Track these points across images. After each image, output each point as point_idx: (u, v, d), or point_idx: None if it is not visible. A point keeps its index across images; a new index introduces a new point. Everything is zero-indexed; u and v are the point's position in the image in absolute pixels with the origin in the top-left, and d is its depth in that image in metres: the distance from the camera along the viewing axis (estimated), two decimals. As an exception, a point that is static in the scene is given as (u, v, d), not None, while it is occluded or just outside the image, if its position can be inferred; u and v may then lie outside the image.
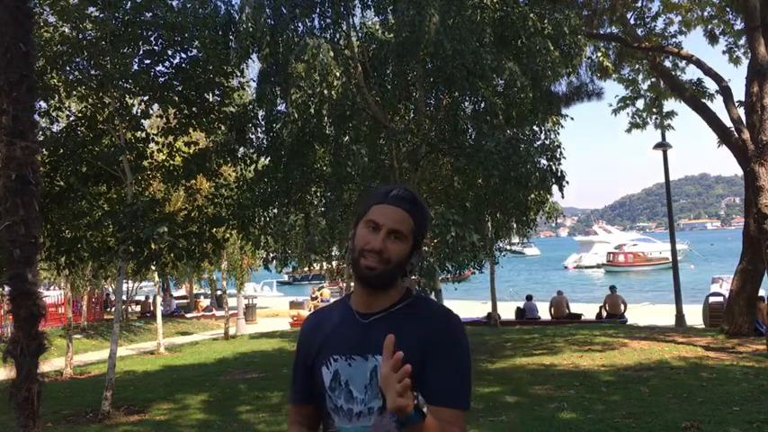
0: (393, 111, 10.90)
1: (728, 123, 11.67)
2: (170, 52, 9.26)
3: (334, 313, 1.66)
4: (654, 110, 15.49)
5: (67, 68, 9.00)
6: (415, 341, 1.49)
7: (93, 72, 9.04)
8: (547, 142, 10.73)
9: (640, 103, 15.50)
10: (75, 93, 9.26)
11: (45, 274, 17.44)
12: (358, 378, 1.52)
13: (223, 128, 10.02)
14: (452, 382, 1.50)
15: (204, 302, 29.82)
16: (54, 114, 9.48)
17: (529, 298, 19.81)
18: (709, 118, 12.55)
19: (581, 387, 8.05)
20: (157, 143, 9.88)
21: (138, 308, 28.78)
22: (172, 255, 9.14)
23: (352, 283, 1.68)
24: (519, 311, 19.40)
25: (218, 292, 29.53)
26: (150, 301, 27.20)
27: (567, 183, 10.03)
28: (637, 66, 14.93)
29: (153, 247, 8.92)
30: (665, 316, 17.80)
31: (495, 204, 11.64)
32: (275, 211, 11.26)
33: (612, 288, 19.28)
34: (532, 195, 11.44)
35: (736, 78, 12.05)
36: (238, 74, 10.10)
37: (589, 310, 19.47)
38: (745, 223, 12.45)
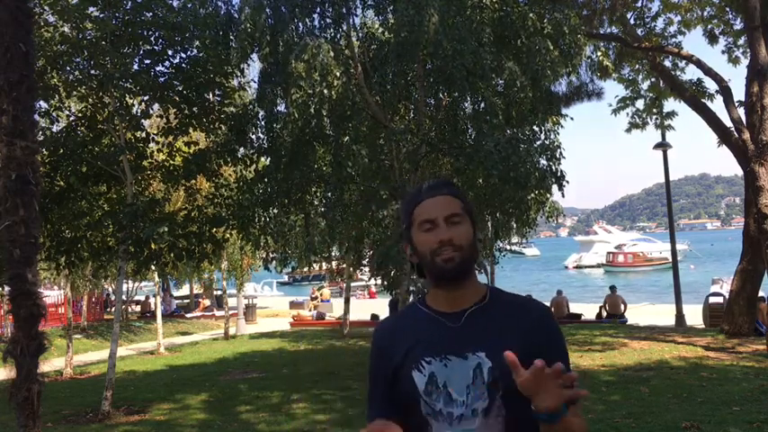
0: (393, 111, 10.90)
1: (728, 123, 11.67)
2: (170, 52, 9.26)
3: (410, 318, 1.58)
4: (654, 110, 15.50)
5: (67, 68, 9.00)
6: (515, 336, 1.45)
7: (93, 72, 9.04)
8: (547, 142, 10.72)
9: (640, 104, 15.52)
10: (75, 93, 9.26)
11: (45, 274, 17.44)
12: (458, 379, 1.44)
13: (223, 128, 10.02)
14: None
15: (206, 302, 29.84)
16: (54, 114, 9.48)
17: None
18: (709, 118, 12.55)
19: (581, 387, 8.03)
20: (157, 143, 9.88)
21: (138, 308, 28.79)
22: (172, 255, 9.14)
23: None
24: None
25: (218, 292, 29.53)
26: (150, 301, 27.20)
27: (567, 182, 10.03)
28: (637, 66, 14.93)
29: (153, 247, 8.93)
30: (665, 316, 17.80)
31: (494, 204, 11.63)
32: (275, 211, 11.26)
33: (612, 288, 19.28)
34: (532, 195, 11.43)
35: (736, 78, 12.06)
36: (238, 74, 10.10)
37: (589, 310, 19.47)
38: (745, 223, 12.45)
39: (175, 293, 33.45)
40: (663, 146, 16.45)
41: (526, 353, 1.37)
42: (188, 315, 27.28)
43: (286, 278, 45.50)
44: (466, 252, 1.47)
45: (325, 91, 9.29)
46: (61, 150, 8.95)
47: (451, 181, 1.59)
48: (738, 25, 13.50)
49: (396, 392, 1.52)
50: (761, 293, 12.69)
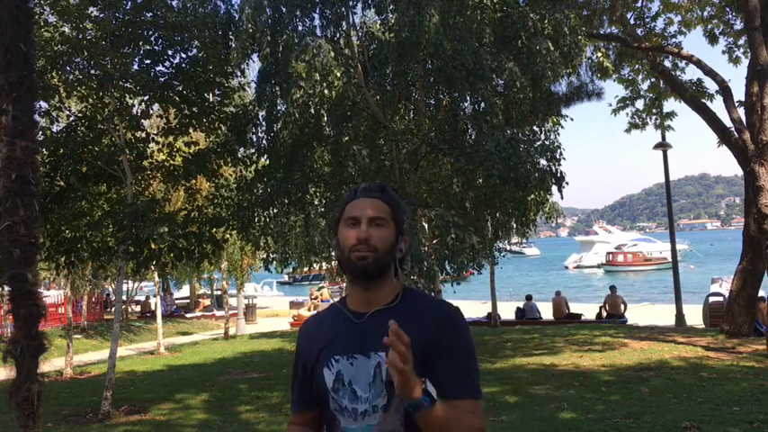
0: (393, 111, 10.90)
1: (728, 123, 11.66)
2: (170, 52, 9.26)
3: (329, 316, 1.66)
4: (654, 110, 15.48)
5: (67, 68, 9.00)
6: (416, 336, 1.47)
7: (93, 72, 9.04)
8: (547, 143, 10.73)
9: (640, 104, 15.51)
10: (75, 93, 9.26)
11: (45, 274, 17.46)
12: (361, 377, 1.52)
13: (223, 128, 10.02)
14: (461, 372, 1.51)
15: (206, 301, 29.86)
16: (54, 114, 9.48)
17: (529, 298, 19.81)
18: (710, 118, 12.55)
19: (581, 387, 8.05)
20: (157, 143, 9.89)
21: (138, 308, 28.79)
22: (172, 255, 9.14)
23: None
24: (519, 311, 19.40)
25: (218, 292, 29.54)
26: (151, 301, 27.21)
27: (567, 183, 10.03)
28: (637, 66, 14.92)
29: (153, 247, 8.93)
30: (665, 316, 17.80)
31: (494, 205, 11.63)
32: (275, 211, 11.26)
33: (612, 288, 19.28)
34: (532, 196, 11.43)
35: (736, 78, 12.06)
36: (238, 74, 10.10)
37: (589, 310, 19.47)
38: (745, 223, 12.44)
39: (175, 294, 33.46)
40: (663, 146, 16.44)
41: (425, 353, 1.46)
42: (188, 315, 27.28)
43: (286, 278, 45.48)
44: (381, 254, 1.54)
45: (326, 91, 9.30)
46: (61, 150, 8.95)
47: (386, 187, 1.65)
48: (738, 25, 13.50)
49: (313, 388, 1.61)
50: (761, 293, 12.69)
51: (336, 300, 1.74)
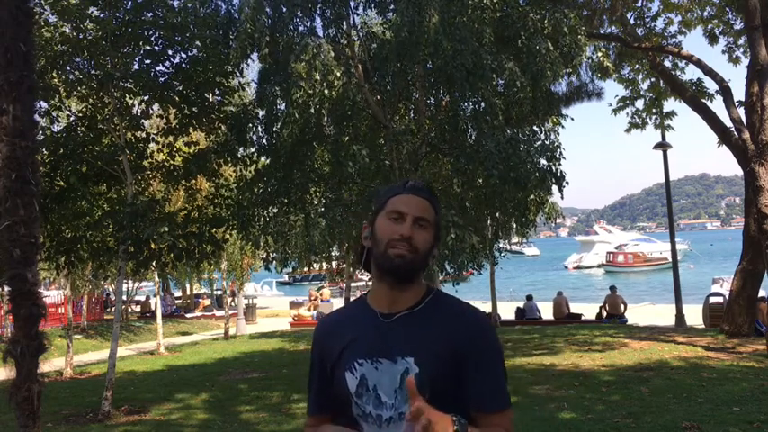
0: (393, 111, 10.90)
1: (728, 123, 11.66)
2: (170, 52, 9.26)
3: (351, 315, 1.59)
4: (654, 110, 15.48)
5: (68, 68, 9.00)
6: (446, 341, 1.46)
7: (93, 72, 9.05)
8: (547, 143, 10.73)
9: (640, 104, 15.51)
10: (75, 93, 9.26)
11: (45, 274, 17.45)
12: (386, 382, 1.46)
13: (223, 128, 10.02)
14: (492, 384, 1.47)
15: (206, 301, 29.87)
16: (54, 114, 9.48)
17: (529, 298, 19.82)
18: (710, 118, 12.55)
19: (581, 387, 8.05)
20: (157, 143, 9.89)
21: (138, 308, 28.79)
22: (172, 255, 9.14)
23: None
24: (519, 311, 19.41)
25: (218, 292, 29.54)
26: (151, 301, 27.21)
27: (567, 183, 10.03)
28: (637, 66, 14.93)
29: (153, 247, 8.93)
30: (666, 316, 17.80)
31: (494, 205, 11.64)
32: (275, 211, 11.26)
33: (612, 288, 19.29)
34: (532, 196, 11.43)
35: (736, 78, 12.06)
36: (238, 74, 10.10)
37: (589, 310, 19.48)
38: (745, 223, 12.44)
39: (176, 293, 33.46)
40: (663, 146, 16.45)
41: (454, 359, 1.43)
42: (188, 315, 27.28)
43: (286, 278, 45.50)
44: (419, 257, 1.48)
45: (326, 91, 9.30)
46: (61, 150, 8.95)
47: (433, 189, 1.63)
48: (738, 25, 13.49)
49: (332, 390, 1.54)
50: (761, 293, 12.69)
51: (355, 297, 1.68)
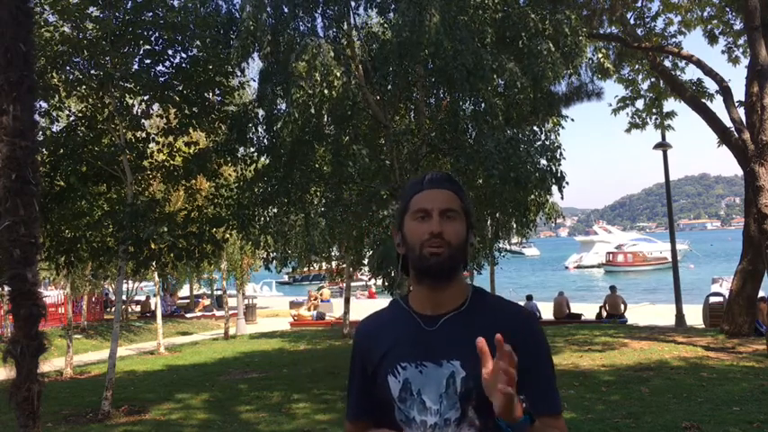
0: (393, 111, 10.90)
1: (728, 123, 11.67)
2: (170, 52, 9.26)
3: (392, 316, 1.54)
4: (654, 110, 15.49)
5: (67, 68, 8.99)
6: (492, 345, 1.38)
7: (93, 72, 9.04)
8: (547, 143, 10.72)
9: (640, 104, 15.51)
10: (75, 93, 9.26)
11: (45, 274, 17.44)
12: (431, 386, 1.40)
13: (223, 128, 10.02)
14: (545, 386, 1.43)
15: (206, 301, 29.88)
16: (54, 114, 9.47)
17: (529, 298, 19.82)
18: (710, 118, 12.55)
19: (581, 387, 8.05)
20: (157, 143, 9.89)
21: (138, 308, 28.79)
22: (172, 255, 9.14)
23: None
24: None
25: (218, 292, 29.53)
26: (151, 301, 27.21)
27: (567, 183, 10.03)
28: (637, 66, 14.93)
29: (153, 247, 8.93)
30: (666, 316, 17.80)
31: (494, 204, 11.63)
32: (275, 210, 11.26)
33: (612, 288, 19.29)
34: (532, 196, 11.43)
35: (736, 78, 12.06)
36: (239, 73, 10.10)
37: (589, 310, 19.48)
38: (745, 223, 12.44)
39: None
40: (663, 146, 16.45)
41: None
42: (188, 315, 27.28)
43: (286, 278, 45.50)
44: (454, 250, 1.42)
45: (326, 91, 9.29)
46: (61, 150, 8.95)
47: (453, 177, 1.53)
48: (738, 25, 13.49)
49: (373, 394, 1.49)
50: (761, 293, 12.69)
51: (397, 297, 1.64)
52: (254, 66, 13.87)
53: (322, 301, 26.93)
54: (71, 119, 9.66)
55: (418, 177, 1.54)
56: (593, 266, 58.43)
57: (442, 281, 1.43)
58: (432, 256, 1.41)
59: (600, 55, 13.04)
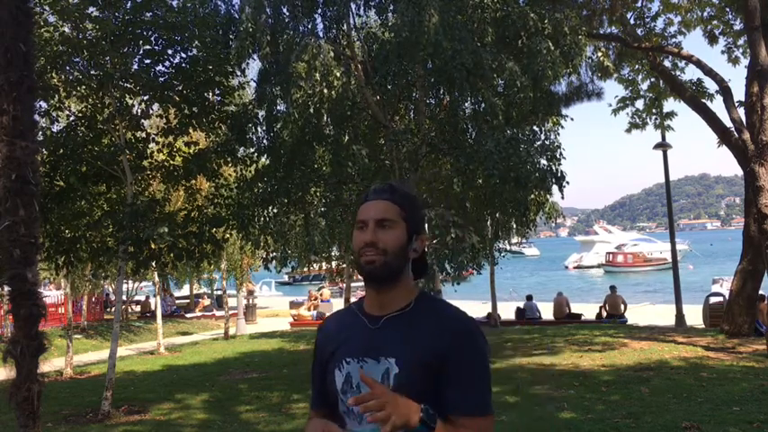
0: (393, 111, 10.90)
1: (728, 123, 11.67)
2: (170, 52, 9.25)
3: (347, 317, 1.66)
4: (654, 110, 15.48)
5: (67, 68, 8.99)
6: (428, 343, 1.49)
7: (93, 72, 9.04)
8: (547, 142, 10.73)
9: (640, 104, 15.51)
10: (75, 93, 9.26)
11: (45, 274, 17.44)
12: None
13: (223, 128, 10.02)
14: (469, 387, 1.49)
15: (206, 301, 29.86)
16: (54, 114, 9.47)
17: (529, 298, 19.82)
18: (710, 118, 12.55)
19: (581, 387, 8.04)
20: (157, 143, 9.88)
21: (138, 308, 28.78)
22: (171, 255, 9.14)
23: (351, 285, 1.70)
24: (519, 311, 19.40)
25: (218, 292, 29.52)
26: (151, 301, 27.20)
27: (567, 183, 10.03)
28: (637, 66, 14.92)
29: (153, 247, 8.92)
30: (666, 316, 17.80)
31: (494, 205, 11.64)
32: (275, 210, 11.26)
33: (612, 288, 19.28)
34: (532, 196, 11.44)
35: (736, 78, 12.06)
36: (239, 73, 10.10)
37: (589, 310, 19.47)
38: (745, 223, 12.44)
39: (175, 294, 33.46)
40: (663, 146, 16.45)
41: (435, 364, 1.46)
42: (188, 315, 27.27)
43: (286, 278, 45.49)
44: (390, 257, 1.51)
45: (326, 91, 9.30)
46: (61, 150, 8.95)
47: (397, 187, 1.61)
48: (738, 25, 13.49)
49: (326, 386, 1.63)
50: (761, 293, 12.69)
51: (356, 297, 1.73)
52: (254, 66, 13.86)
53: (322, 301, 26.91)
54: (71, 119, 9.66)
55: (368, 189, 1.66)
56: (593, 266, 58.41)
57: (383, 285, 1.54)
58: (366, 264, 1.52)
59: (600, 54, 13.05)
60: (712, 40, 14.02)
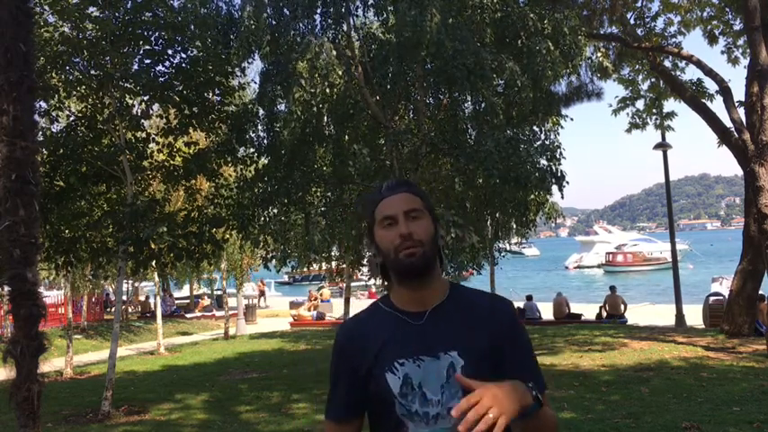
0: (393, 111, 10.90)
1: (728, 123, 11.67)
2: (170, 52, 9.25)
3: (374, 318, 1.58)
4: (654, 110, 15.49)
5: (67, 68, 8.99)
6: (482, 331, 1.48)
7: (93, 72, 9.04)
8: (547, 142, 10.73)
9: (640, 104, 15.51)
10: (75, 93, 9.26)
11: (45, 274, 17.45)
12: (432, 379, 1.46)
13: (223, 128, 10.02)
14: (531, 366, 1.50)
15: (205, 301, 29.88)
16: (54, 114, 9.47)
17: (529, 298, 19.81)
18: (709, 118, 12.55)
19: (581, 387, 8.04)
20: (157, 143, 9.88)
21: (138, 308, 28.79)
22: (172, 255, 9.14)
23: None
24: (519, 311, 19.40)
25: (218, 292, 29.52)
26: (150, 301, 27.20)
27: (567, 183, 10.03)
28: (637, 66, 14.93)
29: (153, 247, 8.93)
30: (666, 316, 17.80)
31: (494, 205, 11.63)
32: (275, 210, 11.26)
33: (612, 288, 19.28)
34: (532, 196, 11.44)
35: (736, 78, 12.06)
36: (240, 73, 10.10)
37: (589, 310, 19.47)
38: (745, 223, 12.44)
39: (175, 294, 33.46)
40: (663, 146, 16.45)
41: (493, 349, 1.46)
42: (188, 315, 27.27)
43: (285, 278, 45.48)
44: (427, 247, 1.49)
45: (327, 89, 9.30)
46: (61, 150, 8.95)
47: (409, 180, 1.62)
48: (738, 26, 13.50)
49: (363, 394, 1.52)
50: (761, 293, 12.69)
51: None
52: (255, 66, 13.86)
53: (322, 301, 26.91)
54: (71, 119, 9.66)
55: (376, 188, 1.61)
56: (593, 266, 58.41)
57: (423, 278, 1.50)
58: (407, 258, 1.47)
59: (599, 54, 13.05)
60: (712, 40, 14.02)
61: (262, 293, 34.20)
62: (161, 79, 9.27)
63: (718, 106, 15.66)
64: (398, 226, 1.49)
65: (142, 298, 30.22)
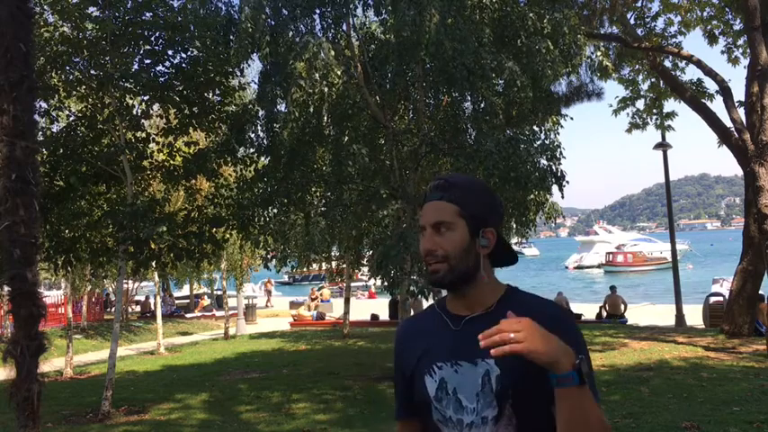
0: (393, 111, 10.90)
1: (728, 123, 11.67)
2: (170, 52, 9.26)
3: (427, 319, 1.55)
4: (654, 110, 15.49)
5: (67, 68, 8.99)
6: None
7: (93, 72, 9.04)
8: (547, 142, 10.72)
9: (640, 104, 15.52)
10: (75, 93, 9.26)
11: (45, 274, 17.45)
12: (467, 385, 1.40)
13: (223, 128, 10.02)
14: (590, 380, 1.38)
15: (205, 301, 29.89)
16: (54, 114, 9.47)
17: (529, 298, 19.82)
18: (709, 118, 12.56)
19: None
20: (157, 143, 9.89)
21: (138, 308, 28.79)
22: (171, 255, 9.14)
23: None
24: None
25: (218, 292, 29.53)
26: (150, 301, 27.19)
27: (567, 183, 10.02)
28: (637, 66, 14.93)
29: (153, 247, 8.93)
30: (666, 316, 17.80)
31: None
32: (275, 210, 11.26)
33: (612, 288, 19.29)
34: (532, 196, 11.42)
35: (736, 78, 12.07)
36: (239, 74, 10.10)
37: (589, 310, 19.48)
38: (745, 223, 12.44)
39: (175, 294, 33.47)
40: (663, 146, 16.46)
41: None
42: (188, 315, 27.27)
43: (286, 278, 45.47)
44: (454, 261, 1.42)
45: (326, 89, 9.29)
46: (61, 150, 8.95)
47: (452, 180, 1.48)
48: (738, 26, 13.50)
49: (413, 395, 1.50)
50: (761, 293, 12.69)
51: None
52: (254, 67, 13.86)
53: (322, 300, 26.91)
54: (71, 119, 9.66)
55: (428, 186, 1.54)
56: (593, 267, 58.41)
57: (458, 290, 1.46)
58: (432, 274, 1.44)
59: (599, 54, 13.05)
60: (712, 40, 14.03)
61: (269, 293, 34.27)
62: (161, 79, 9.28)
63: (718, 106, 15.65)
64: (425, 239, 1.45)
65: (141, 298, 30.20)
